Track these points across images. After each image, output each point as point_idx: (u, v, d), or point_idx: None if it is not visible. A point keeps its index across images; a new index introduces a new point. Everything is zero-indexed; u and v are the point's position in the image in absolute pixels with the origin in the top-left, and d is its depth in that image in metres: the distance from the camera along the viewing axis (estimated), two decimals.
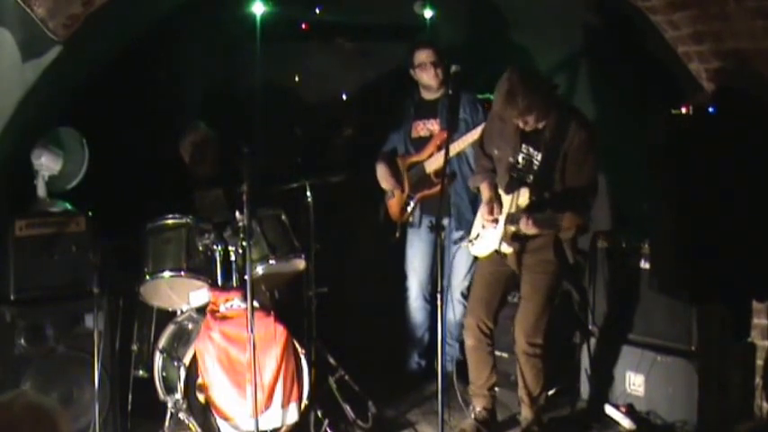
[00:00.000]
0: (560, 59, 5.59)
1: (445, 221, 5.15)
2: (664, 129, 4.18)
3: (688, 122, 4.07)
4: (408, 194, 5.28)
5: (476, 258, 4.78)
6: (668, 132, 4.15)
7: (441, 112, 5.19)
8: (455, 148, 5.00)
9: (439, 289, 3.98)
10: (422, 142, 5.26)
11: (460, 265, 5.17)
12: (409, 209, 5.28)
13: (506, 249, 4.43)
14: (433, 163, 5.18)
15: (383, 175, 5.30)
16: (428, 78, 5.19)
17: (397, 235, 5.31)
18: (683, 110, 4.09)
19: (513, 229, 4.34)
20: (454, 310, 5.20)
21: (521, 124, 4.25)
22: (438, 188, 5.02)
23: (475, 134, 4.94)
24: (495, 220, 4.41)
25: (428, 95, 5.27)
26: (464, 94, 5.14)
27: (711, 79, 4.45)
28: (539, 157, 4.33)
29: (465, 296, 5.20)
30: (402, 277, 5.51)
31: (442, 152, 5.04)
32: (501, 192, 4.47)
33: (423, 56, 5.17)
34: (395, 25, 6.04)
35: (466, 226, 4.99)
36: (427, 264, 5.39)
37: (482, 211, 4.52)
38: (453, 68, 4.42)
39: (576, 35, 5.44)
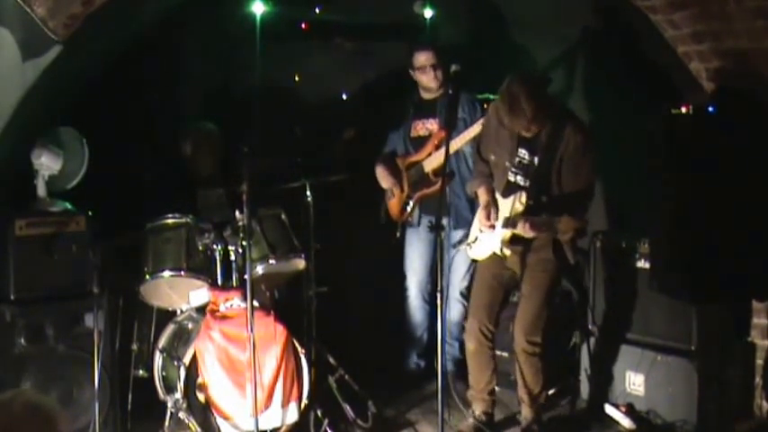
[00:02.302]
0: (560, 59, 5.58)
1: (444, 221, 5.15)
2: (663, 128, 4.18)
3: (688, 122, 4.06)
4: (408, 194, 5.28)
5: (474, 260, 4.79)
6: (668, 132, 4.14)
7: (440, 112, 5.20)
8: (453, 146, 5.00)
9: (439, 288, 3.98)
10: (421, 142, 5.26)
11: (460, 264, 5.17)
12: (408, 208, 5.28)
13: (505, 252, 4.43)
14: (432, 162, 5.18)
15: (382, 174, 5.31)
16: (427, 80, 5.20)
17: (398, 235, 5.31)
18: (683, 109, 4.08)
19: (511, 232, 4.34)
20: (453, 309, 5.20)
21: (524, 132, 4.26)
22: (436, 187, 5.06)
23: (472, 132, 4.94)
24: (492, 226, 4.42)
25: (427, 95, 5.28)
26: (463, 94, 5.14)
27: (711, 79, 4.45)
28: (535, 161, 4.34)
29: (464, 295, 5.20)
30: (402, 277, 5.51)
31: (441, 151, 5.07)
32: (498, 196, 4.48)
33: (422, 58, 5.17)
34: (395, 25, 6.03)
35: (464, 225, 4.99)
36: (426, 263, 5.39)
37: (479, 217, 4.53)
38: (453, 68, 4.42)
39: (575, 35, 5.44)
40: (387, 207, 5.39)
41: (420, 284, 5.45)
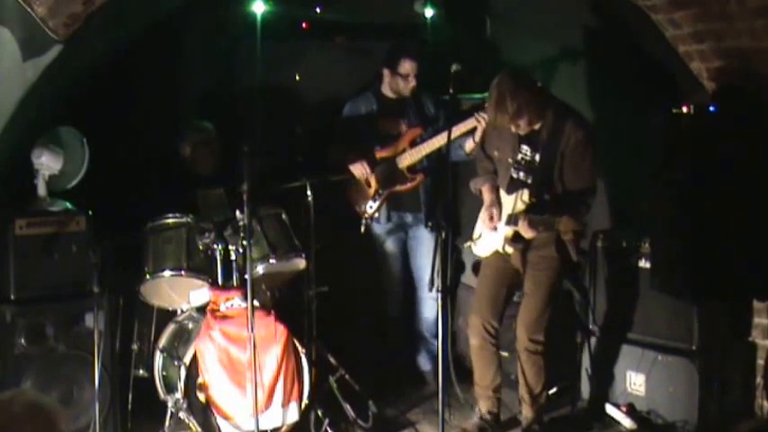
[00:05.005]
0: (560, 59, 5.58)
1: (410, 218, 5.25)
2: (664, 128, 4.18)
3: (689, 121, 4.06)
4: (376, 190, 5.26)
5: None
6: (669, 131, 4.14)
7: (407, 112, 5.24)
8: (433, 144, 5.06)
9: (440, 288, 3.98)
10: (389, 139, 5.24)
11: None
12: (375, 204, 5.25)
13: (508, 250, 4.44)
14: (406, 159, 5.19)
15: (358, 165, 5.18)
16: (404, 88, 5.21)
17: (362, 230, 5.27)
18: (684, 109, 4.08)
19: (513, 229, 4.34)
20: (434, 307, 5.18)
21: (513, 128, 4.27)
22: (411, 184, 5.15)
23: (461, 129, 4.94)
24: (495, 227, 4.43)
25: (391, 95, 5.29)
26: (425, 94, 5.24)
27: (712, 78, 4.45)
28: (537, 158, 4.34)
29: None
30: (401, 277, 5.50)
31: (416, 148, 5.14)
32: (502, 192, 4.48)
33: (411, 68, 5.16)
34: (395, 24, 6.03)
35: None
36: (400, 261, 5.39)
37: (483, 216, 4.53)
38: (453, 68, 4.41)
39: (576, 34, 5.43)
40: (348, 198, 5.31)
41: (395, 283, 5.43)
